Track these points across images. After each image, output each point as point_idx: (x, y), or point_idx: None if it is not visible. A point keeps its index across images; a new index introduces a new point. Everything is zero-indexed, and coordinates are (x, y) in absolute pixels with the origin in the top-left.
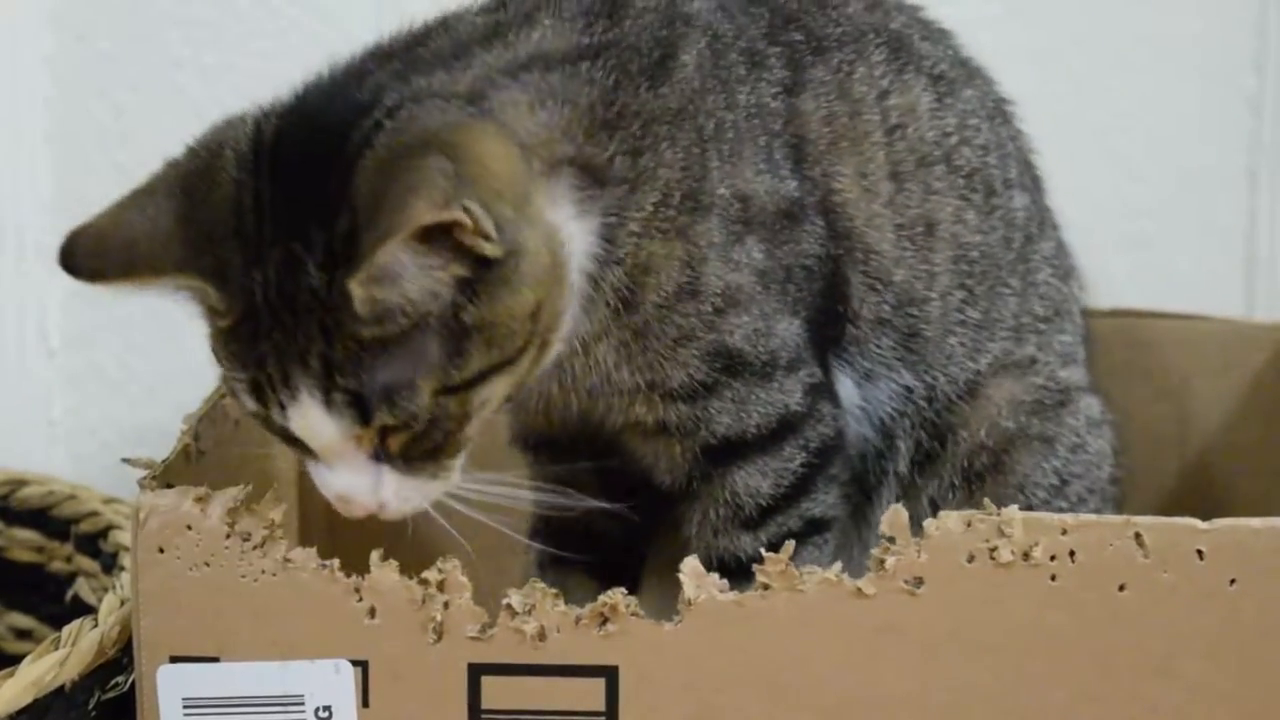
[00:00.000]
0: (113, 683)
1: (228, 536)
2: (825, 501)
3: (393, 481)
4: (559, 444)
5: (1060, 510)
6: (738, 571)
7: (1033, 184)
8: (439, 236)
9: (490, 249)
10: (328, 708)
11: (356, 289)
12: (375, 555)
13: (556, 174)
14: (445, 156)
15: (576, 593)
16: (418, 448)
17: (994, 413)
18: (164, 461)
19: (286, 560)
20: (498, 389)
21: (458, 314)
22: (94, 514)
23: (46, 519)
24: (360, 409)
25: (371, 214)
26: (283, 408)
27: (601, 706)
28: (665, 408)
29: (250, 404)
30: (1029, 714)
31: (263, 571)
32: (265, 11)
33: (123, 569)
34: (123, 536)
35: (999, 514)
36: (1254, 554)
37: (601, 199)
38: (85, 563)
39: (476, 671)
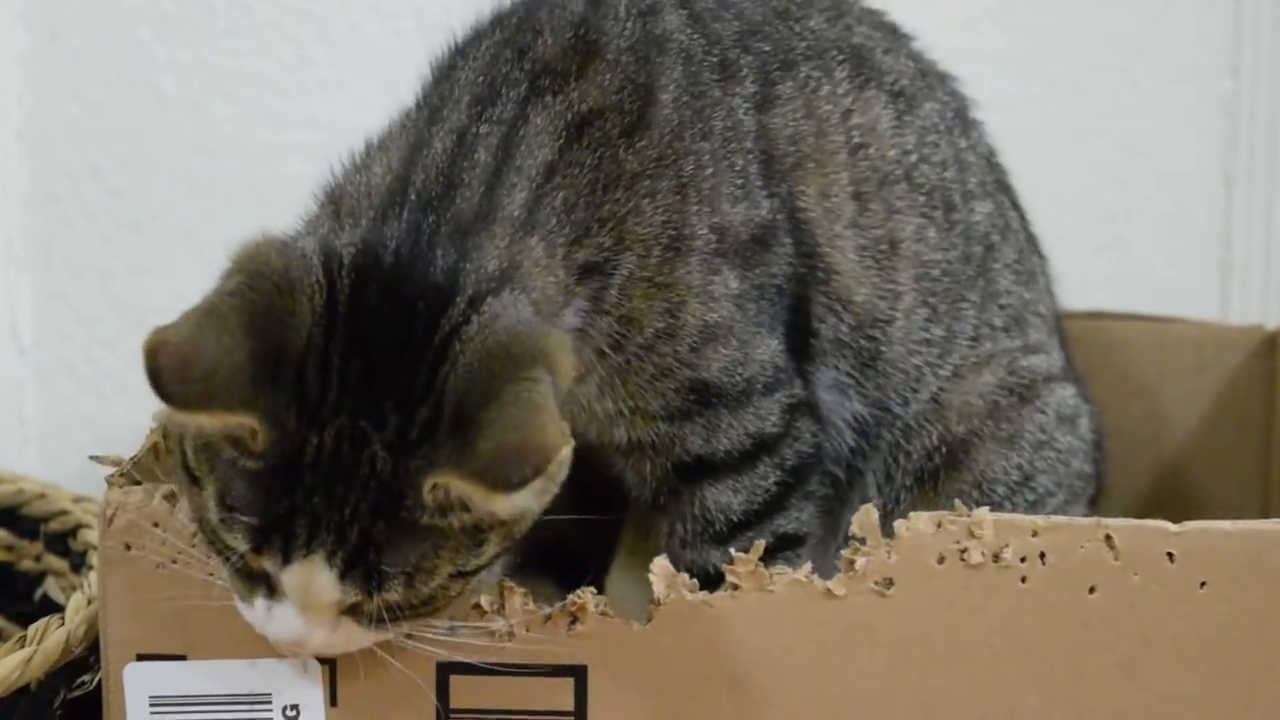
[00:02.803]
0: (79, 681)
1: (195, 534)
2: (799, 519)
3: (349, 631)
4: None
5: (1025, 505)
6: (704, 584)
7: (995, 186)
8: None
9: (560, 473)
10: (295, 706)
11: (442, 489)
12: None
13: (569, 300)
14: (547, 370)
15: (541, 599)
16: (400, 614)
17: (950, 418)
18: (132, 459)
19: None
20: (491, 567)
21: (487, 521)
22: (63, 513)
23: (15, 517)
24: (374, 583)
25: (472, 421)
26: (285, 561)
27: (570, 706)
28: (643, 428)
29: (238, 543)
30: (998, 715)
31: None
32: (239, 9)
33: (91, 568)
34: (92, 535)
35: (970, 515)
36: (1224, 557)
37: (590, 284)
38: (54, 562)
39: (445, 670)
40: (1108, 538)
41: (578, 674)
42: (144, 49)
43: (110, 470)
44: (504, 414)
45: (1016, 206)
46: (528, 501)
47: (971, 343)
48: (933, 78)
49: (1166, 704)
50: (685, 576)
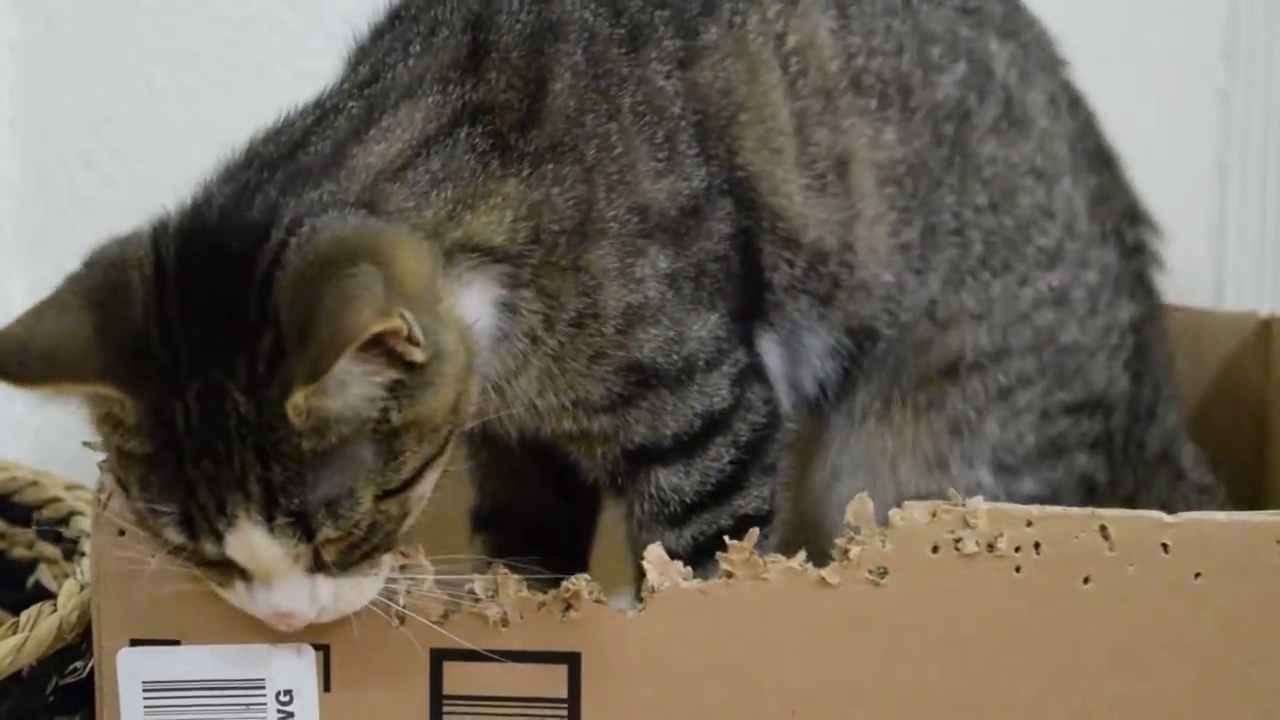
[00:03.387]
0: (71, 668)
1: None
2: (760, 497)
3: (329, 587)
4: (501, 443)
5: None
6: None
7: (971, 35)
8: (373, 345)
9: (419, 354)
10: (289, 692)
11: (301, 403)
12: None
13: (452, 261)
14: (374, 264)
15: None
16: (355, 553)
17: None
18: None
19: None
20: (430, 480)
21: (388, 420)
22: (56, 500)
23: (8, 505)
24: (304, 527)
25: (306, 329)
26: (218, 537)
27: (563, 693)
28: (589, 420)
29: (176, 537)
30: (992, 705)
31: None
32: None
33: (84, 555)
34: (85, 523)
35: (964, 505)
36: (1218, 548)
37: (497, 264)
38: (47, 549)
39: (439, 656)
40: (1102, 528)
41: (571, 661)
42: (137, 38)
43: (103, 456)
44: (319, 313)
45: (1013, 35)
46: (364, 388)
47: (956, 235)
48: None
49: (1161, 694)
50: (679, 564)
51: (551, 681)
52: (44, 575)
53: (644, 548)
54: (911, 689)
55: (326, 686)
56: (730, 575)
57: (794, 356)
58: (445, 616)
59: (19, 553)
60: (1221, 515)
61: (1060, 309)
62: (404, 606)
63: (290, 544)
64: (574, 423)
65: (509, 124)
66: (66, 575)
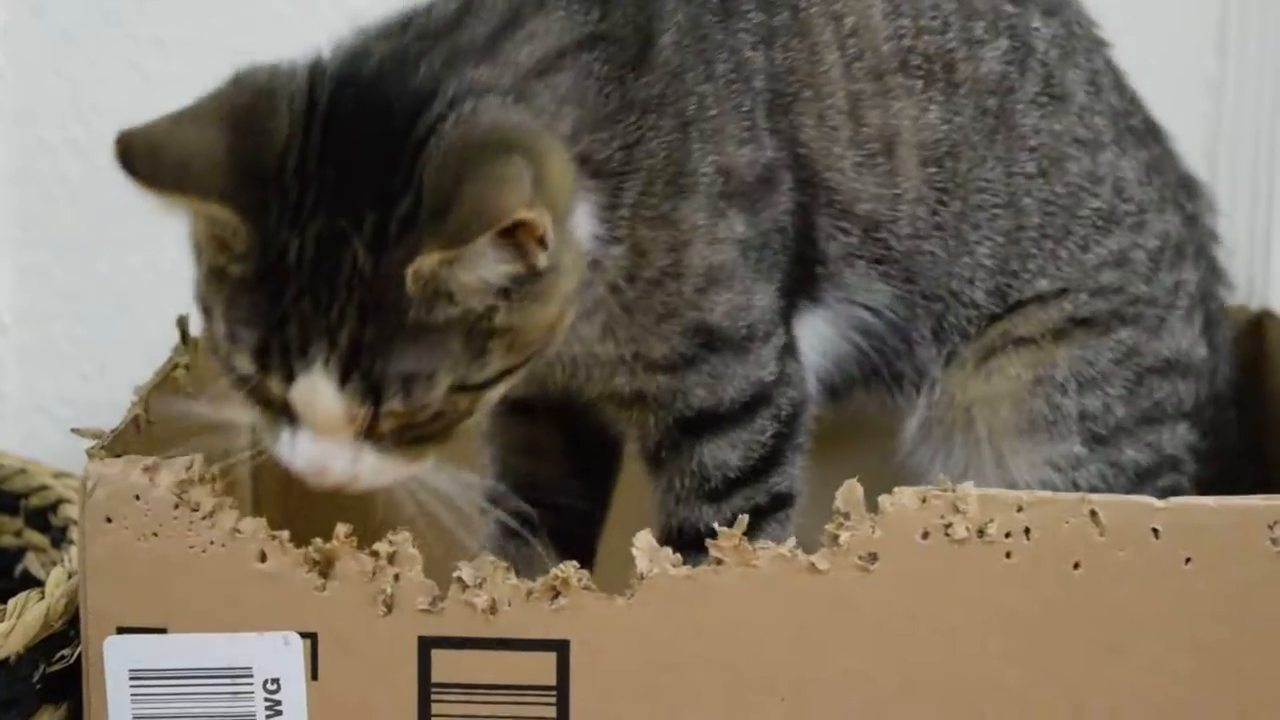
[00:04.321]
0: (58, 656)
1: (176, 507)
2: (792, 475)
3: (371, 459)
4: (533, 407)
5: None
6: (695, 543)
7: (1016, 18)
8: (506, 237)
9: (543, 259)
10: (276, 680)
11: (425, 270)
12: (341, 529)
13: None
14: (527, 160)
15: (536, 562)
16: (411, 434)
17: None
18: (113, 431)
19: (236, 531)
20: (500, 390)
21: (491, 319)
22: (44, 488)
23: None
24: (374, 393)
25: (451, 202)
26: (289, 378)
27: (552, 680)
28: (645, 379)
29: (246, 366)
30: (983, 691)
31: (211, 542)
32: None
33: (72, 543)
34: (73, 511)
35: (954, 491)
36: (1209, 533)
37: (600, 190)
38: (35, 537)
39: (427, 644)
40: (1092, 513)
41: (560, 648)
42: (127, 26)
43: (91, 443)
44: (466, 189)
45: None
46: (489, 272)
47: (1007, 206)
48: None
49: (1150, 679)
50: (669, 551)
51: (540, 669)
52: (32, 563)
53: (688, 525)
54: (901, 675)
55: (314, 675)
56: (719, 562)
57: (849, 324)
58: (433, 604)
59: (7, 540)
60: (1211, 500)
61: (1123, 270)
62: (392, 596)
63: (354, 405)
64: (629, 379)
65: (624, 62)
66: (54, 563)
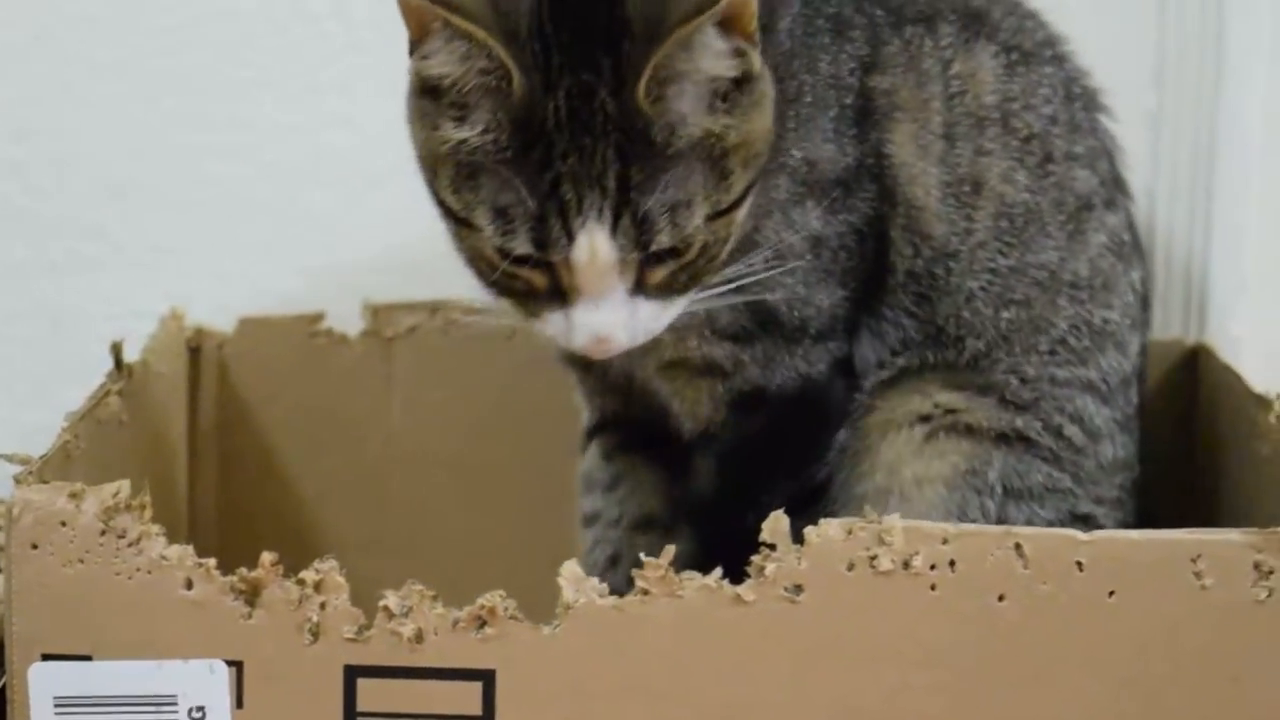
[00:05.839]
0: None
1: (102, 533)
2: (811, 475)
3: (646, 308)
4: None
5: None
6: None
7: (1110, 177)
8: (723, 31)
9: (755, 60)
10: (201, 708)
11: (654, 70)
12: (266, 557)
13: None
14: None
15: (644, 476)
16: (680, 278)
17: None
18: (42, 457)
19: (162, 558)
20: (744, 209)
21: (724, 140)
22: None
23: None
24: (643, 229)
25: (663, 14)
26: (569, 238)
27: (479, 710)
28: (713, 344)
29: (524, 244)
30: None
31: (137, 569)
32: (160, 9)
33: None
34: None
35: (880, 522)
36: (1133, 566)
37: None
38: None
39: (353, 673)
40: (1017, 546)
41: (486, 678)
42: (63, 48)
43: (19, 468)
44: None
45: (1127, 211)
46: (713, 65)
47: (1047, 284)
48: (1064, 53)
49: (1074, 713)
50: (595, 581)
51: (466, 699)
52: None
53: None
54: (826, 707)
55: (239, 703)
56: (646, 592)
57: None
58: (359, 633)
59: None
60: (1135, 534)
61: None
62: (318, 624)
63: (628, 247)
64: (699, 343)
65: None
66: None
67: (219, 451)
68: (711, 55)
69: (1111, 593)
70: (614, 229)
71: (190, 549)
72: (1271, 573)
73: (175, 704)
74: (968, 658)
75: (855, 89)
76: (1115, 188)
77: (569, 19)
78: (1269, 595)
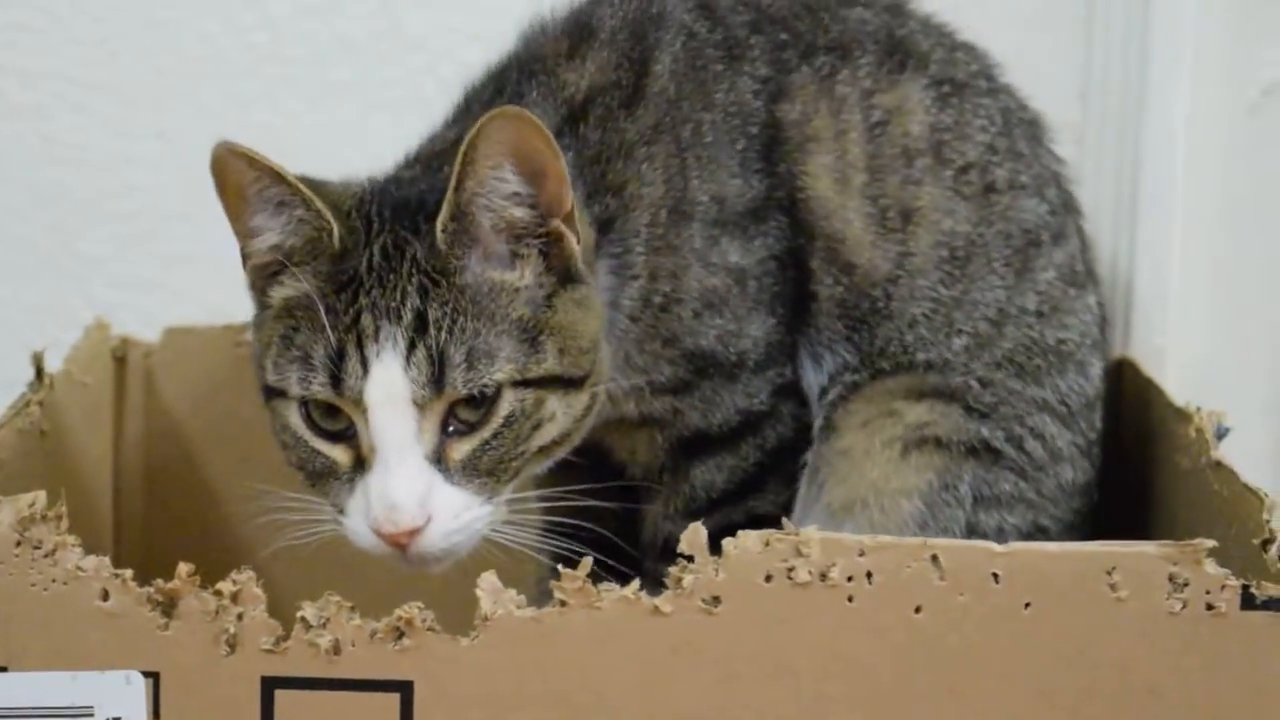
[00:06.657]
0: None
1: (18, 544)
2: (774, 501)
3: (445, 494)
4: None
5: None
6: (678, 555)
7: (1059, 203)
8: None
9: (575, 265)
10: (118, 719)
11: (446, 215)
12: (183, 568)
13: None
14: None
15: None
16: (484, 457)
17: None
18: None
19: (78, 569)
20: (558, 411)
21: (536, 312)
22: None
23: None
24: (439, 367)
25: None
26: (364, 370)
27: None
28: (651, 401)
29: (323, 383)
30: None
31: (53, 580)
32: (88, 18)
33: None
34: None
35: (797, 534)
36: (1048, 578)
37: (611, 242)
38: None
39: (270, 685)
40: (934, 558)
41: (404, 689)
42: None
43: None
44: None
45: (1080, 234)
46: (511, 198)
47: (995, 319)
48: (1002, 86)
49: None
50: (513, 593)
51: (384, 710)
52: None
53: (671, 539)
54: (744, 717)
55: (156, 714)
56: (564, 604)
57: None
58: (277, 644)
59: None
60: (1052, 546)
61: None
62: (235, 635)
63: (421, 382)
64: (638, 405)
65: (618, 101)
66: None
67: (145, 461)
68: (505, 195)
69: (1028, 604)
70: (408, 360)
71: (107, 560)
72: (1186, 585)
73: (92, 714)
74: (884, 669)
75: (761, 118)
76: (1066, 213)
77: (396, 205)
78: (1184, 607)
